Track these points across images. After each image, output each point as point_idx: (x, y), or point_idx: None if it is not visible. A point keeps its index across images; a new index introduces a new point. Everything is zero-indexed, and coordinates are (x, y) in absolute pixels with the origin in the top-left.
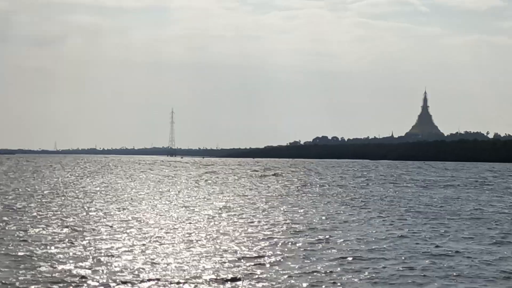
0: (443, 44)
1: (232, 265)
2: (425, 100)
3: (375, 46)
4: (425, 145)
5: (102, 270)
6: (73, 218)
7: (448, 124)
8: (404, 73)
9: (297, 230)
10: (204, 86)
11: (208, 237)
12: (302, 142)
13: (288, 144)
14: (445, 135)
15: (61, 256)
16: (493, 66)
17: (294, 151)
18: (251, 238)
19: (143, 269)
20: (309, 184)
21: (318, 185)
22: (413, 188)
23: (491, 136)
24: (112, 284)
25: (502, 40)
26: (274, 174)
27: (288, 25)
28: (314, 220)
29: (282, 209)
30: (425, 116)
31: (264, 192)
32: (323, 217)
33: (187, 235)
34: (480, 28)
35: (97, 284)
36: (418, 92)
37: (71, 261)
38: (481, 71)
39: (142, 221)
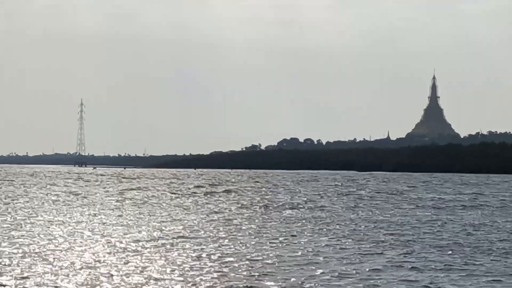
0: (461, 13)
1: None
2: (433, 88)
3: (364, 14)
4: (434, 151)
5: None
6: None
7: (466, 122)
8: (404, 51)
9: (261, 273)
10: (126, 70)
11: (131, 282)
12: (263, 147)
13: (244, 149)
14: (462, 136)
15: None
16: None
17: (252, 159)
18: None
19: None
20: (275, 206)
21: (288, 207)
22: (423, 211)
23: None
24: None
25: None
26: (225, 191)
27: None
28: (284, 259)
29: (238, 242)
30: (434, 111)
31: (213, 216)
32: (296, 253)
33: (97, 281)
34: None
35: None
36: (425, 77)
37: None
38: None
39: (30, 263)
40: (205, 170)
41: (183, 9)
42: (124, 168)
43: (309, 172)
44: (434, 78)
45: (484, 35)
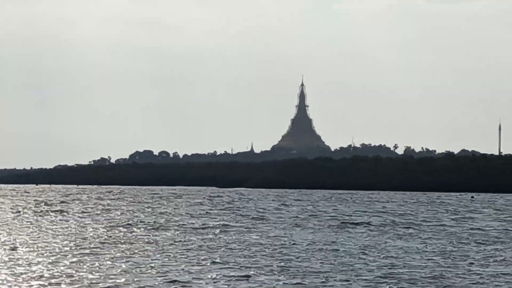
0: (338, 10)
1: None
2: (302, 97)
3: (230, 12)
4: (302, 165)
5: None
6: None
7: (337, 133)
8: (273, 55)
9: None
10: None
11: None
12: (112, 160)
13: (91, 162)
14: (333, 149)
15: None
16: (409, 44)
17: (101, 173)
18: None
19: None
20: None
21: (133, 227)
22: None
23: (400, 151)
24: None
25: (422, 4)
26: (59, 211)
27: None
28: None
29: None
30: (302, 121)
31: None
32: None
33: None
34: None
35: None
36: (292, 84)
37: None
38: (388, 54)
39: None
40: (48, 186)
41: (33, 6)
42: None
43: (162, 189)
44: (302, 85)
45: (360, 40)
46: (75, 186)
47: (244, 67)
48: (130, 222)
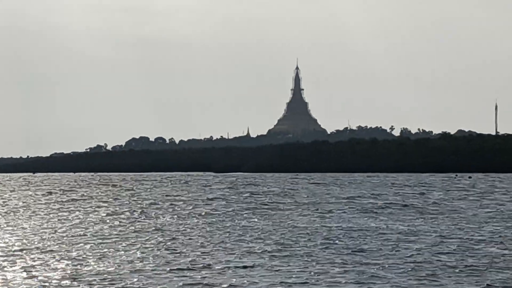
0: None
1: None
2: (297, 80)
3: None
4: (298, 149)
5: None
6: None
7: (333, 116)
8: (265, 40)
9: None
10: None
11: None
12: (109, 147)
13: (88, 150)
14: (329, 132)
15: None
16: (404, 27)
17: (97, 161)
18: None
19: None
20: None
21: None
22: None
23: (397, 133)
24: None
25: None
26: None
27: None
28: None
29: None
30: (297, 105)
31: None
32: None
33: None
34: None
35: None
36: (287, 68)
37: None
38: (382, 35)
39: None
40: (45, 174)
41: None
42: None
43: (160, 175)
44: (297, 68)
45: (352, 23)
46: (72, 173)
47: (238, 53)
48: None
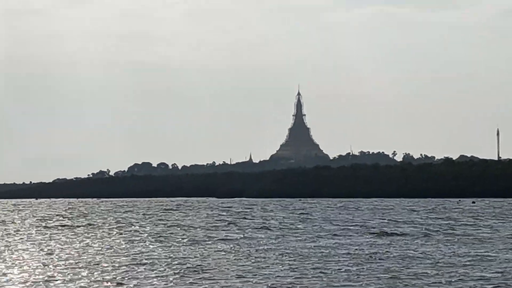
0: (327, 20)
1: None
2: (298, 105)
3: (221, 24)
4: (301, 174)
5: None
6: None
7: (336, 141)
8: (266, 66)
9: None
10: None
11: None
12: (111, 173)
13: (90, 175)
14: (331, 158)
15: None
16: (405, 52)
17: (101, 186)
18: None
19: None
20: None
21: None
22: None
23: (399, 158)
24: None
25: (406, 12)
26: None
27: None
28: None
29: None
30: (299, 130)
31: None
32: None
33: None
34: None
35: None
36: (289, 93)
37: None
38: (381, 59)
39: None
40: (49, 200)
41: (21, 23)
42: None
43: (162, 200)
44: (299, 94)
45: (351, 47)
46: (75, 199)
47: (239, 79)
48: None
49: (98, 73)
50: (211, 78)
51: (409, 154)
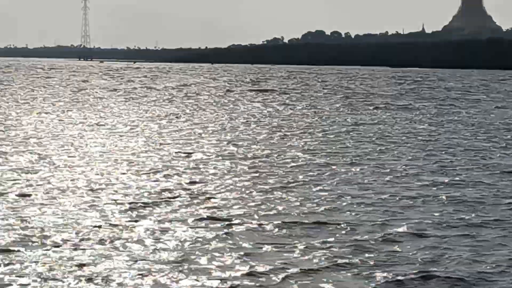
0: None
1: None
2: None
3: None
4: (474, 45)
5: None
6: None
7: (509, 13)
8: None
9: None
10: None
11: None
12: (285, 40)
13: (264, 42)
14: (504, 30)
15: None
16: None
17: (273, 53)
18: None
19: None
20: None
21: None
22: None
23: None
24: None
25: None
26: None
27: None
28: None
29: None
30: (472, 2)
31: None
32: None
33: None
34: None
35: None
36: None
37: None
38: None
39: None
40: (222, 65)
41: None
42: (134, 62)
43: (339, 68)
44: None
45: None
46: (250, 65)
47: None
48: None
49: None
50: None
51: None
